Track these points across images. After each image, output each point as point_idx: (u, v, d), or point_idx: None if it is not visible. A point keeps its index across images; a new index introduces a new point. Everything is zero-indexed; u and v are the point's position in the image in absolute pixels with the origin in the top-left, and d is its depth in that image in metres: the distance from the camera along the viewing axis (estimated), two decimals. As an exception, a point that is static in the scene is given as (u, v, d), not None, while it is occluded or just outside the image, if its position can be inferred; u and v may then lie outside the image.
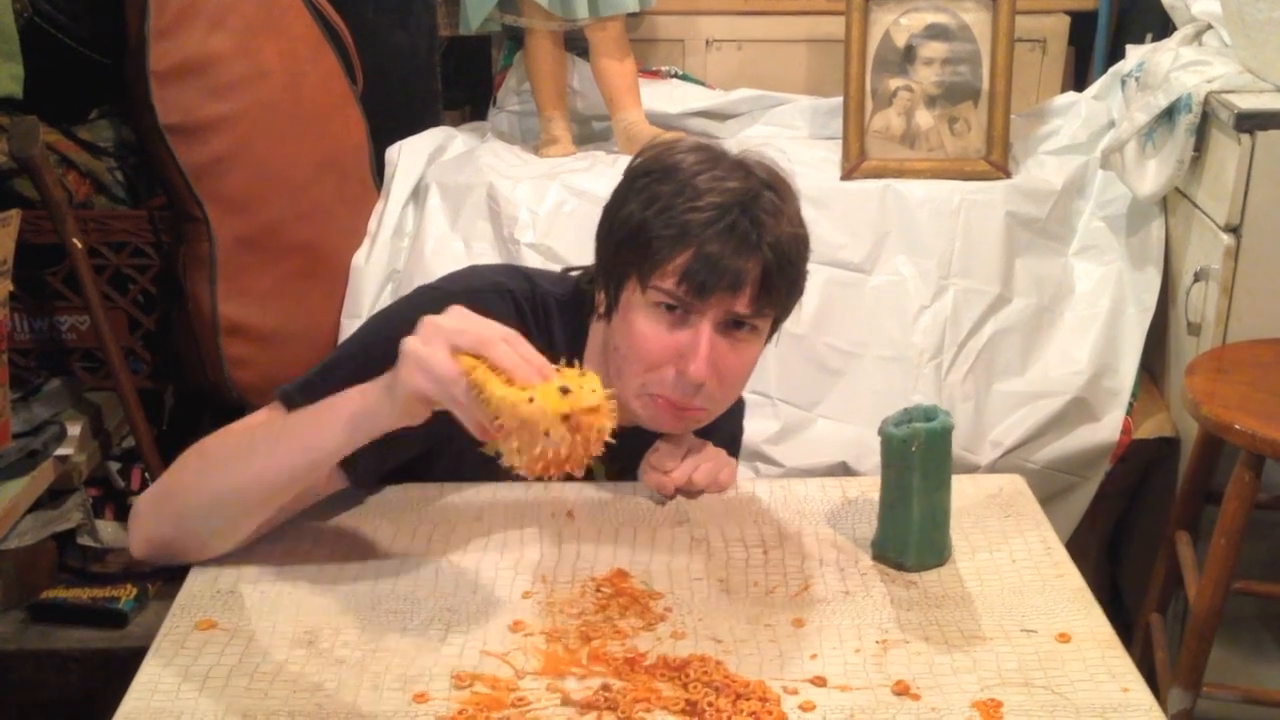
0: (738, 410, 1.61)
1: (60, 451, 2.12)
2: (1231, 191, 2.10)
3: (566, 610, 1.22)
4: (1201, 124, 2.21)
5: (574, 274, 1.49)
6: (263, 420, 1.31)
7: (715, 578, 1.28)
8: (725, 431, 1.50)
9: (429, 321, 1.12)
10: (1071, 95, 2.72)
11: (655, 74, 2.91)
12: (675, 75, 2.93)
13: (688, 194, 1.27)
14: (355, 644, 1.17)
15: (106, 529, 2.25)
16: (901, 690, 1.10)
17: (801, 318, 2.39)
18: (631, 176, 1.34)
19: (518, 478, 1.44)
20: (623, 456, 1.43)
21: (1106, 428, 2.36)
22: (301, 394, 1.29)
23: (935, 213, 2.47)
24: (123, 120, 2.26)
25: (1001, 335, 2.43)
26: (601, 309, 1.38)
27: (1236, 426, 1.87)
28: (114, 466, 2.32)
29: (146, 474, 2.28)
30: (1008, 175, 2.53)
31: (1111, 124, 2.55)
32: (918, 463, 1.27)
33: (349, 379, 1.25)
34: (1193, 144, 2.21)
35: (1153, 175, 2.31)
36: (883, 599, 1.25)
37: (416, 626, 1.19)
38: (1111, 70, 2.65)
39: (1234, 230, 2.13)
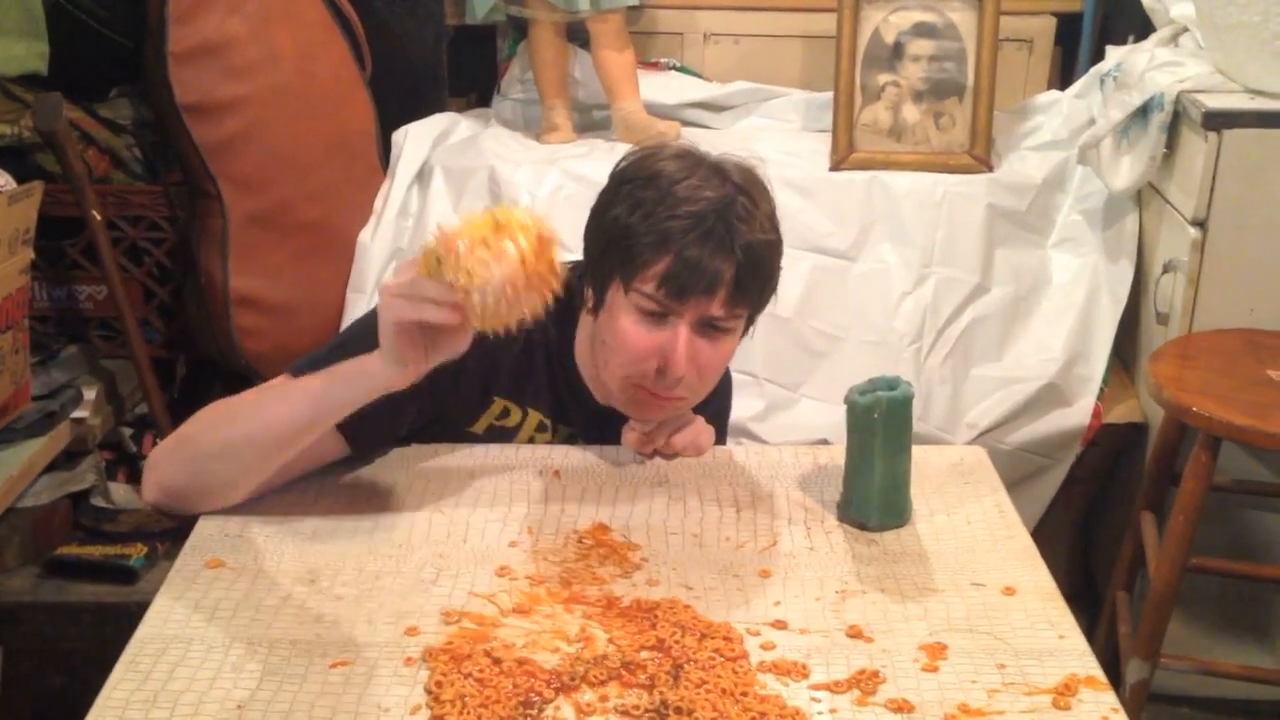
0: (724, 387, 1.69)
1: (76, 414, 2.21)
2: (1199, 187, 2.18)
3: (550, 558, 1.30)
4: (1173, 122, 2.29)
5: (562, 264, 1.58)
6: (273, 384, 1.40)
7: (690, 532, 1.37)
8: (710, 406, 1.58)
9: (401, 262, 1.20)
10: (1054, 93, 2.80)
11: (654, 65, 2.99)
12: (673, 67, 3.01)
13: (668, 202, 1.35)
14: (353, 583, 1.25)
15: (118, 490, 2.34)
16: (855, 633, 1.19)
17: (788, 302, 2.48)
18: (617, 182, 1.42)
19: (508, 437, 1.53)
20: (607, 437, 1.54)
21: (1078, 413, 2.45)
22: (312, 367, 1.37)
23: (919, 204, 2.55)
24: (141, 99, 2.35)
25: (980, 322, 2.51)
26: (590, 304, 1.46)
27: (1194, 409, 1.96)
28: (127, 432, 2.42)
29: (158, 439, 2.37)
30: (990, 169, 2.61)
31: (1091, 121, 2.62)
32: (879, 428, 1.35)
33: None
34: (1164, 141, 2.30)
35: (1126, 171, 2.39)
36: (844, 554, 1.34)
37: (410, 570, 1.28)
38: (1092, 70, 2.72)
39: (1200, 224, 2.21)
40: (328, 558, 1.29)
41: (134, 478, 2.39)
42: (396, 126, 2.73)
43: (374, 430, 1.43)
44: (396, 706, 1.07)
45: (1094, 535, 2.69)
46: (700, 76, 3.01)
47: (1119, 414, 2.47)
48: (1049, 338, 2.51)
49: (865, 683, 1.11)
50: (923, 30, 2.63)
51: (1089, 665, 1.15)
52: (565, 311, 1.50)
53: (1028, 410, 2.44)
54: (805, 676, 1.13)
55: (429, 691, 1.08)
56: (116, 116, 2.35)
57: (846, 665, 1.14)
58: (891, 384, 1.37)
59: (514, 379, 1.51)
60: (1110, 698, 1.11)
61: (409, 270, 1.19)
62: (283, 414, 1.31)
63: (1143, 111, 2.34)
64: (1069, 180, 2.62)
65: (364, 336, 1.38)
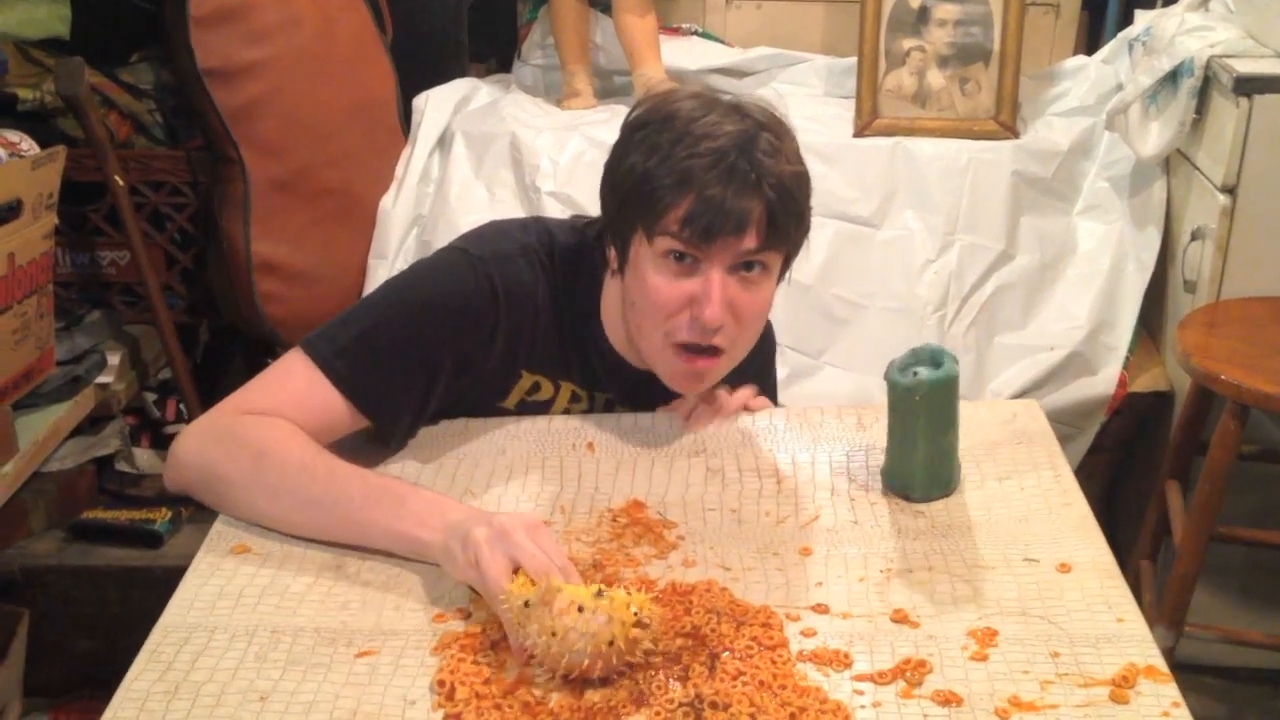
0: (768, 348, 1.64)
1: (100, 379, 2.21)
2: (1229, 153, 2.16)
3: (583, 539, 1.25)
4: (1203, 87, 2.26)
5: (584, 223, 1.51)
6: (319, 403, 1.32)
7: (728, 508, 1.31)
8: (754, 366, 1.51)
9: (502, 525, 1.10)
10: (1081, 58, 2.77)
11: (676, 31, 2.96)
12: (695, 32, 2.98)
13: (686, 141, 1.27)
14: (380, 569, 1.20)
15: (143, 456, 2.34)
16: (900, 618, 1.12)
17: (810, 269, 2.47)
18: (630, 129, 1.34)
19: (541, 410, 1.50)
20: (645, 402, 1.50)
21: (1103, 381, 2.43)
22: (339, 359, 1.33)
23: (944, 170, 2.52)
24: (163, 63, 2.33)
25: (1004, 290, 2.50)
26: (614, 265, 1.39)
27: (1223, 377, 1.95)
28: (150, 397, 2.42)
29: (182, 405, 2.38)
30: (1016, 135, 2.59)
31: (1119, 87, 2.60)
32: (922, 410, 1.27)
33: (385, 351, 1.33)
34: (1194, 107, 2.27)
35: (1155, 137, 2.37)
36: (890, 529, 1.26)
37: (440, 554, 1.22)
38: (1120, 34, 2.69)
39: (1230, 191, 2.19)
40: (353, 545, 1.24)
41: (158, 443, 2.40)
42: (417, 92, 2.73)
43: (404, 420, 1.40)
44: (422, 699, 1.03)
45: (1117, 504, 2.68)
46: (722, 42, 2.98)
47: (1144, 383, 2.46)
48: (1074, 306, 2.50)
49: (911, 673, 1.05)
50: (949, -6, 2.60)
51: (1149, 653, 1.08)
52: (590, 273, 1.45)
53: (1052, 379, 2.43)
54: (848, 666, 1.06)
55: (441, 684, 1.04)
56: (138, 81, 2.34)
57: (891, 653, 1.07)
58: (935, 358, 1.27)
59: (543, 351, 1.45)
60: (1171, 690, 1.03)
61: (502, 552, 1.09)
62: (322, 523, 1.24)
63: (1172, 77, 2.31)
64: (1096, 147, 2.60)
65: (394, 326, 1.35)
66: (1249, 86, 2.13)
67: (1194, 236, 2.29)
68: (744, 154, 1.27)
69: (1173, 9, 2.50)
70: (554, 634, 1.01)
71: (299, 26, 2.35)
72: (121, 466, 2.31)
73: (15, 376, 1.95)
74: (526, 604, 1.04)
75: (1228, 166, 2.17)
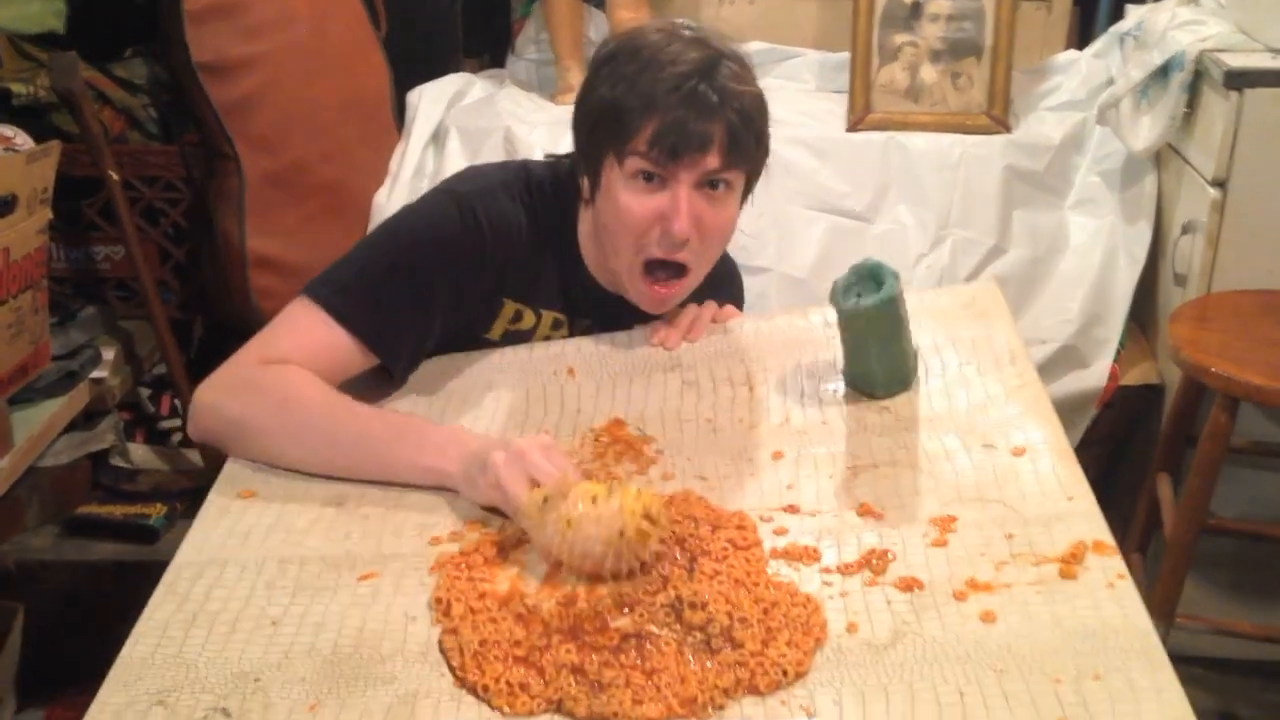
0: (736, 279, 1.74)
1: (95, 375, 2.21)
2: (1219, 147, 2.17)
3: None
4: (1194, 81, 2.28)
5: (558, 159, 1.59)
6: (326, 343, 1.37)
7: (704, 418, 1.38)
8: (723, 295, 1.61)
9: (518, 447, 1.17)
10: (1072, 53, 2.78)
11: (669, 26, 2.97)
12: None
13: (651, 68, 1.37)
14: (379, 502, 1.26)
15: (137, 451, 2.35)
16: (866, 512, 1.18)
17: (804, 263, 2.48)
18: (598, 64, 1.44)
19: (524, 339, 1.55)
20: (622, 328, 1.57)
21: (1094, 374, 2.44)
22: (339, 297, 1.38)
23: (936, 165, 2.53)
24: (157, 59, 2.34)
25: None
26: (587, 194, 1.48)
27: (1213, 370, 1.96)
28: (145, 392, 2.42)
29: (176, 401, 2.38)
30: (1008, 130, 2.60)
31: (1110, 81, 2.60)
32: (871, 330, 1.35)
33: (383, 286, 1.39)
34: (1185, 101, 2.28)
35: (1146, 131, 2.38)
36: (857, 427, 1.33)
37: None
38: (1112, 29, 2.70)
39: (1221, 184, 2.20)
40: (355, 481, 1.30)
41: (153, 438, 2.40)
42: (411, 87, 2.73)
43: (406, 352, 1.45)
44: (422, 616, 1.09)
45: (1108, 498, 2.68)
46: (715, 37, 2.98)
47: (1135, 376, 2.47)
48: (1066, 300, 2.50)
49: (875, 563, 1.11)
50: (941, -11, 2.61)
51: (1096, 528, 1.13)
52: (567, 205, 1.53)
53: (1044, 372, 2.42)
54: (816, 560, 1.12)
55: (439, 601, 1.08)
56: (132, 76, 2.33)
57: (857, 546, 1.13)
58: (876, 276, 1.35)
59: (522, 280, 1.52)
60: (1116, 563, 1.08)
61: (519, 471, 1.15)
62: (348, 462, 1.29)
63: (1163, 71, 2.32)
64: (1087, 141, 2.60)
65: (390, 268, 1.41)
66: (1239, 81, 2.14)
67: (1184, 230, 2.30)
68: (705, 78, 1.37)
69: (1164, 3, 2.51)
70: (569, 523, 1.07)
71: (293, 21, 2.35)
72: (116, 461, 2.31)
73: (10, 371, 1.95)
74: (545, 500, 1.10)
75: (1218, 160, 2.18)
